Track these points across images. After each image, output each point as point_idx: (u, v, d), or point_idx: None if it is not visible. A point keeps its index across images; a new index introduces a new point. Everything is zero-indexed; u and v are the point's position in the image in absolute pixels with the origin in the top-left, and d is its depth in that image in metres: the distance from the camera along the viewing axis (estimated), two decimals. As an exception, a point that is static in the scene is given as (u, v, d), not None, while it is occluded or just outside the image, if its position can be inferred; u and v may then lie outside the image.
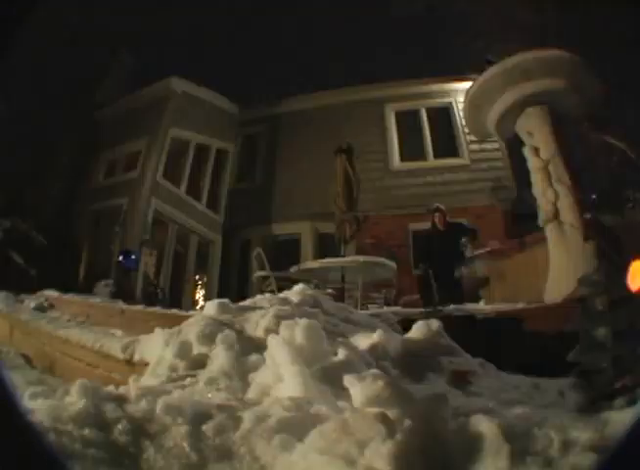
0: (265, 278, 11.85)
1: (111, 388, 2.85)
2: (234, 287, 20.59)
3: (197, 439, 2.20)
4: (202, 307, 18.57)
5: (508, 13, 19.86)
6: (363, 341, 3.51)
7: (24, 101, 19.32)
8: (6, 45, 2.04)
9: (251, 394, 2.84)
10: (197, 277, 22.02)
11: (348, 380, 2.30)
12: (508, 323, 5.53)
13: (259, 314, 3.72)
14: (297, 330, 3.06)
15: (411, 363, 3.46)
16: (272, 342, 3.02)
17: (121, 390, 2.78)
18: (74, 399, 2.45)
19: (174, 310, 7.36)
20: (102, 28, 23.28)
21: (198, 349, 3.40)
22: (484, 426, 1.99)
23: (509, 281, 11.02)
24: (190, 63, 26.11)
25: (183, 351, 3.38)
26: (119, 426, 2.26)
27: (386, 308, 7.27)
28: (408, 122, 21.22)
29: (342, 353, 2.99)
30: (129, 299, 12.56)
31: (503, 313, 5.88)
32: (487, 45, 17.18)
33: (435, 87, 21.34)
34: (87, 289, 15.00)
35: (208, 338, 3.40)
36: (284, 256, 18.27)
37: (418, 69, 21.93)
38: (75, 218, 20.84)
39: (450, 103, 20.88)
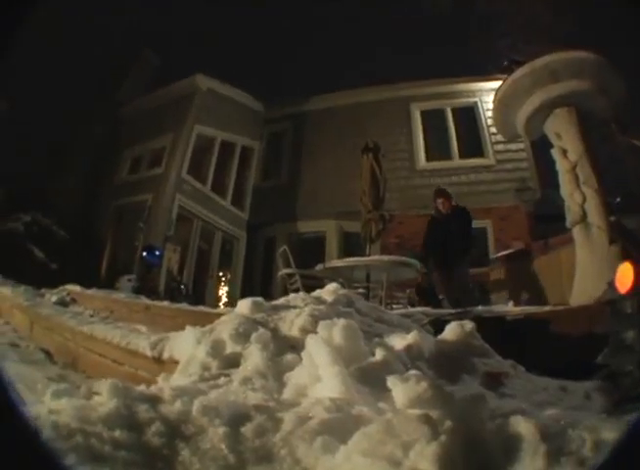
0: (290, 276, 11.89)
1: (143, 388, 2.78)
2: (258, 284, 20.64)
3: (235, 441, 2.18)
4: (225, 304, 18.72)
5: (531, 13, 19.85)
6: (398, 341, 3.50)
7: (44, 99, 19.50)
8: (6, 45, 2.06)
9: (286, 394, 2.80)
10: (220, 274, 22.03)
11: (392, 381, 2.30)
12: (536, 325, 5.52)
13: (294, 313, 3.69)
14: (336, 330, 3.04)
15: (445, 364, 3.46)
16: (311, 341, 2.99)
17: (154, 390, 2.67)
18: (104, 400, 2.41)
19: (201, 307, 7.33)
20: (125, 27, 23.48)
21: (231, 347, 3.35)
22: (523, 426, 2.02)
23: (533, 282, 11.02)
24: (214, 60, 26.24)
25: (216, 349, 3.34)
26: (153, 427, 2.22)
27: (414, 309, 7.27)
28: (434, 122, 21.22)
29: (379, 354, 2.98)
30: (152, 294, 12.66)
31: (531, 315, 5.87)
32: (512, 44, 17.19)
33: (461, 87, 21.35)
34: (109, 284, 15.14)
35: (242, 336, 3.37)
36: (309, 253, 18.26)
37: (443, 68, 21.96)
38: (98, 214, 21.01)
39: (475, 102, 20.89)
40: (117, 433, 2.12)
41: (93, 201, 21.41)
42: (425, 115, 21.49)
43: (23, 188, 18.93)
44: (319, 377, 2.77)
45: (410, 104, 21.56)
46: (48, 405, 2.33)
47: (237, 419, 2.33)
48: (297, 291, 11.67)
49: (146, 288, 15.21)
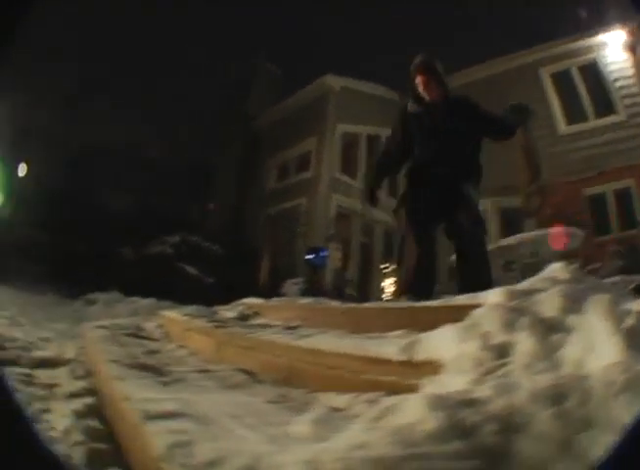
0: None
1: (455, 393, 2.38)
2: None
3: (563, 417, 2.00)
4: (393, 294, 18.98)
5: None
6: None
7: (179, 121, 20.24)
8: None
9: (565, 371, 3.00)
10: (382, 266, 22.17)
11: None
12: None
13: (545, 296, 3.81)
14: (600, 304, 3.28)
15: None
16: (582, 317, 3.24)
17: (465, 394, 2.33)
18: (421, 416, 2.15)
19: (405, 303, 6.90)
20: (245, 39, 24.20)
21: (499, 338, 3.45)
22: None
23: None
24: (342, 59, 26.72)
25: (485, 342, 3.45)
26: (484, 429, 2.00)
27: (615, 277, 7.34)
28: (563, 84, 21.06)
29: (630, 320, 3.22)
30: (320, 294, 12.95)
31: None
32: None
33: (579, 44, 20.95)
34: (272, 291, 15.72)
35: (508, 325, 3.50)
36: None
37: (555, 27, 21.68)
38: (249, 224, 21.61)
39: (595, 58, 20.59)
40: (451, 446, 1.96)
41: (242, 213, 22.01)
42: (554, 77, 21.35)
43: (165, 211, 19.64)
44: (592, 349, 2.97)
45: (538, 68, 21.49)
46: (347, 440, 2.01)
47: (557, 398, 2.44)
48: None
49: (314, 289, 15.60)
